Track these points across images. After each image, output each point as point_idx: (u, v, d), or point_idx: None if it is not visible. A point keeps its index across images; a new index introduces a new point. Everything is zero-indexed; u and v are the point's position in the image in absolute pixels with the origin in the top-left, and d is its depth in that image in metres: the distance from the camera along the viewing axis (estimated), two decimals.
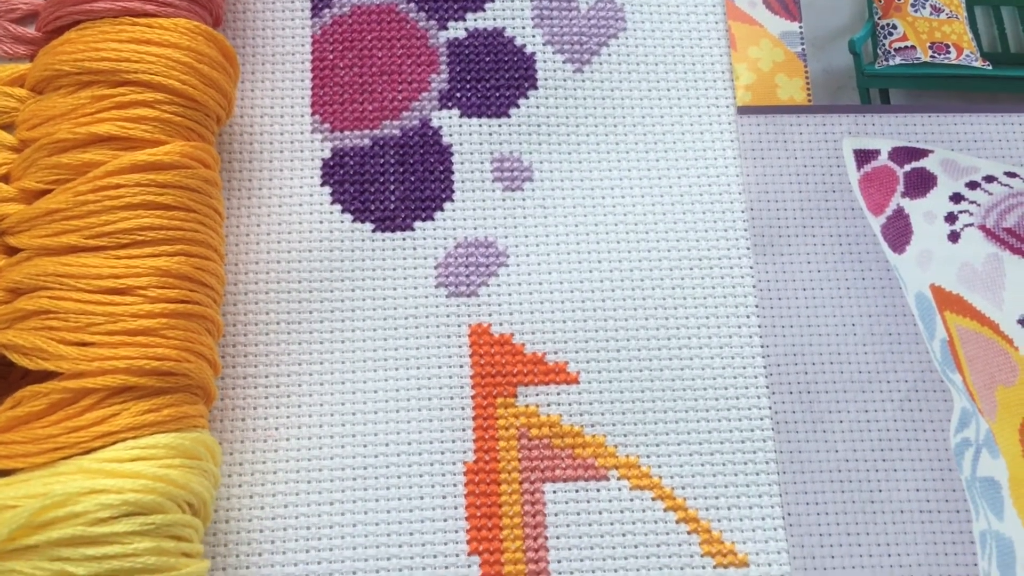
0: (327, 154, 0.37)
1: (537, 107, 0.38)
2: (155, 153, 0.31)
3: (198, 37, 0.32)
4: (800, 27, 0.39)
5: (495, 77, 0.38)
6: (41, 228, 0.30)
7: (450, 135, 0.37)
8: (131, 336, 0.29)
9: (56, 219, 0.30)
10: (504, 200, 0.37)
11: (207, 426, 0.31)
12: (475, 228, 0.36)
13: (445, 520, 0.33)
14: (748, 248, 0.36)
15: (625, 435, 0.34)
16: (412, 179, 0.37)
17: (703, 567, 0.33)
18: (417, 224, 0.36)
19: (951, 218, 0.37)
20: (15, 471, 0.28)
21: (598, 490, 0.33)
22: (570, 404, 0.34)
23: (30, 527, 0.26)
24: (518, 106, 0.38)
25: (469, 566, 0.32)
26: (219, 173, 0.34)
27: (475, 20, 0.38)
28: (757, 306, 0.36)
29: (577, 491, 0.33)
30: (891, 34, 0.39)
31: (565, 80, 0.38)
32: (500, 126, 0.37)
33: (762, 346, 0.35)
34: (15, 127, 0.32)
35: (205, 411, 0.31)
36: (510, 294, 0.35)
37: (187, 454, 0.29)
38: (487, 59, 0.38)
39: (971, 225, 0.37)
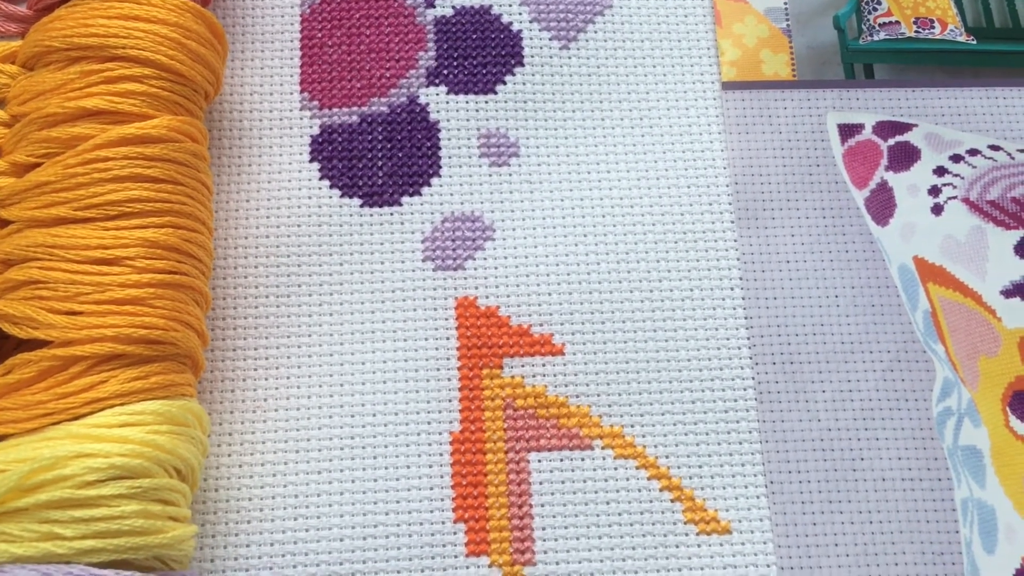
0: (316, 131, 0.37)
1: (523, 84, 0.38)
2: (143, 127, 0.31)
3: (186, 14, 0.33)
4: (785, 3, 0.40)
5: (482, 54, 0.38)
6: (31, 200, 0.30)
7: (437, 112, 0.38)
8: (119, 305, 0.29)
9: (46, 191, 0.30)
10: (491, 175, 0.37)
11: (195, 395, 0.32)
12: (462, 203, 0.37)
13: (431, 488, 0.33)
14: (732, 222, 0.37)
15: (609, 405, 0.34)
16: (400, 155, 0.37)
17: (686, 534, 0.33)
18: (404, 199, 0.37)
19: (934, 191, 0.37)
20: (5, 437, 0.29)
21: (583, 459, 0.34)
22: (555, 375, 0.35)
23: (19, 490, 0.27)
24: (504, 83, 0.38)
25: (455, 533, 0.33)
26: (208, 148, 0.34)
27: None
28: (741, 279, 0.36)
29: (562, 460, 0.34)
30: (875, 9, 0.40)
31: (551, 57, 0.38)
32: (487, 103, 0.38)
33: (746, 318, 0.36)
34: (6, 103, 0.32)
35: (193, 380, 0.31)
36: (496, 268, 0.36)
37: (174, 421, 0.29)
38: (474, 36, 0.38)
39: (954, 198, 0.37)
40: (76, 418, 0.29)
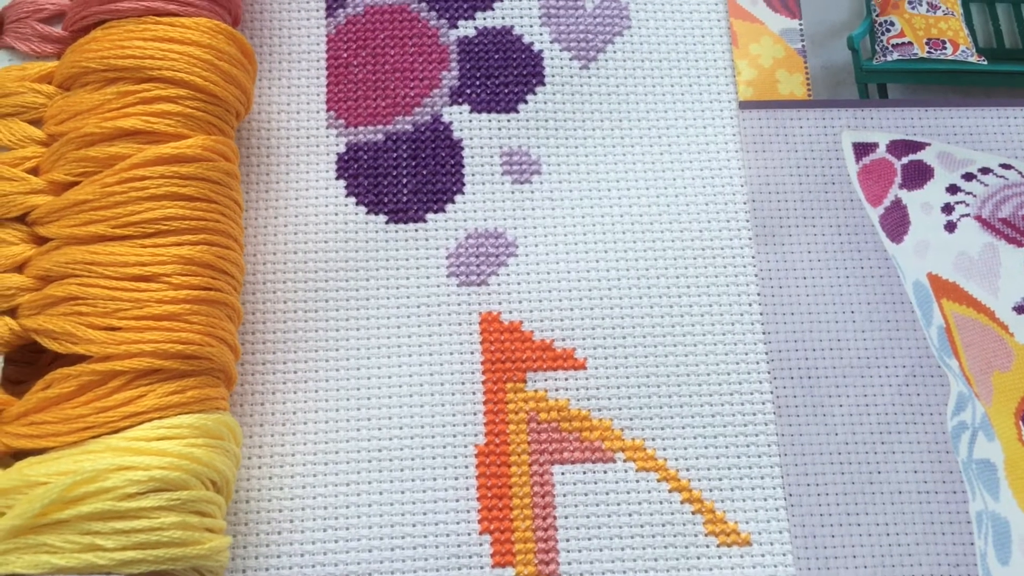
0: (342, 149, 0.38)
1: (545, 103, 0.39)
2: (178, 146, 0.32)
3: (219, 35, 0.34)
4: (800, 24, 0.40)
5: (504, 74, 0.39)
6: (70, 218, 0.31)
7: (460, 130, 0.38)
8: (156, 321, 0.30)
9: (84, 210, 0.31)
10: (513, 192, 0.38)
11: (228, 408, 0.32)
12: (485, 220, 0.37)
13: (457, 500, 0.34)
14: (750, 238, 0.38)
15: (631, 419, 0.35)
16: (424, 172, 0.38)
17: (707, 546, 0.34)
18: (429, 216, 0.37)
19: (948, 209, 0.38)
20: (46, 450, 0.29)
21: (605, 472, 0.34)
22: (578, 389, 0.35)
23: (61, 502, 0.28)
24: (526, 102, 0.39)
25: (481, 544, 0.33)
26: (238, 166, 0.35)
27: (484, 19, 0.40)
28: (759, 294, 0.37)
29: (585, 473, 0.34)
30: (889, 30, 0.41)
31: (572, 76, 0.39)
32: (509, 121, 0.39)
33: (764, 333, 0.36)
34: (44, 122, 0.33)
35: (226, 394, 0.32)
36: (519, 283, 0.37)
37: (210, 434, 0.30)
38: (496, 56, 0.39)
39: (967, 215, 0.38)
40: (115, 431, 0.29)
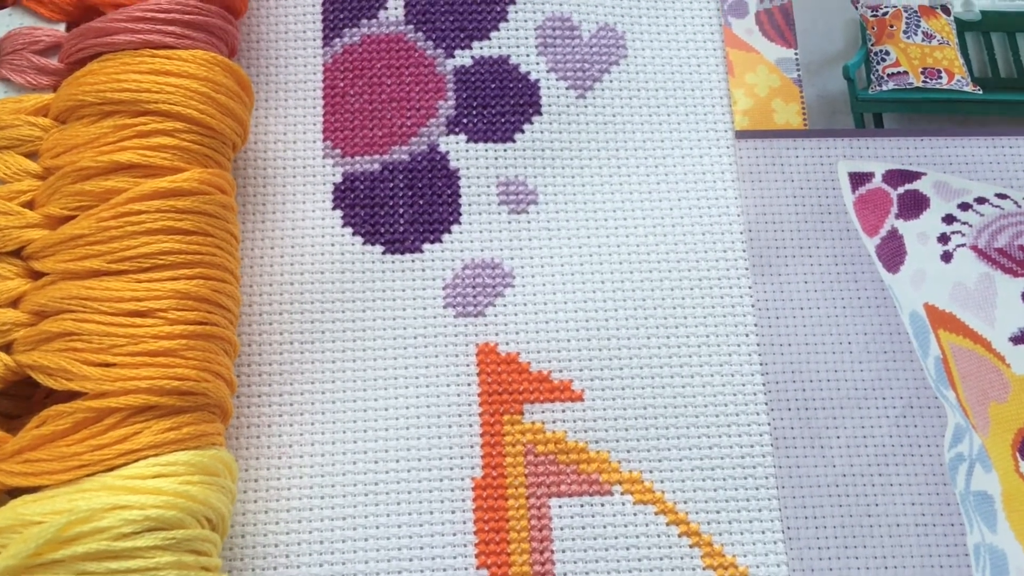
0: (338, 179, 0.38)
1: (541, 132, 0.39)
2: (175, 180, 0.32)
3: (215, 68, 0.34)
4: (795, 54, 0.41)
5: (500, 103, 0.39)
6: (65, 253, 0.31)
7: (457, 160, 0.38)
8: (152, 357, 0.30)
9: (80, 244, 0.31)
10: (510, 222, 0.38)
11: (224, 443, 0.32)
12: (482, 250, 0.37)
13: (454, 534, 0.34)
14: (746, 268, 0.38)
15: (628, 451, 0.35)
16: (420, 202, 0.38)
17: None
18: (426, 246, 0.37)
19: (944, 239, 0.38)
20: (41, 488, 0.29)
21: (602, 505, 0.34)
22: (575, 421, 0.35)
23: (56, 542, 0.27)
24: (523, 131, 0.39)
25: None
26: (235, 198, 0.35)
27: (481, 48, 0.40)
28: (756, 325, 0.37)
29: (582, 506, 0.34)
30: (884, 60, 0.41)
31: (568, 106, 0.39)
32: (506, 151, 0.39)
33: (761, 364, 0.36)
34: (40, 155, 0.33)
35: (222, 429, 0.32)
36: (516, 314, 0.37)
37: (206, 471, 0.30)
38: (492, 86, 0.39)
39: (963, 245, 0.38)
40: (110, 469, 0.29)
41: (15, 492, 0.29)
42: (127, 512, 0.28)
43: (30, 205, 0.32)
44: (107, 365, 0.30)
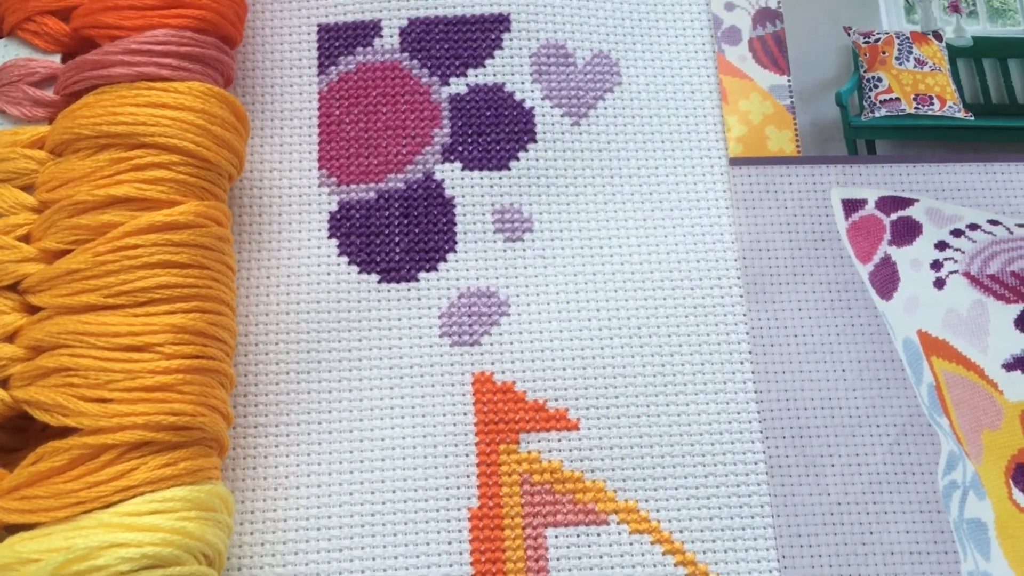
0: (334, 207, 0.38)
1: (536, 160, 0.39)
2: (171, 213, 0.32)
3: (211, 99, 0.34)
4: (789, 81, 0.41)
5: (496, 131, 0.39)
6: (61, 287, 0.31)
7: (452, 188, 0.38)
8: (148, 392, 0.30)
9: (76, 279, 0.31)
10: (505, 251, 0.38)
11: (220, 477, 0.32)
12: (477, 278, 0.37)
13: (451, 565, 0.34)
14: (741, 296, 0.38)
15: (624, 480, 0.35)
16: (416, 231, 0.38)
17: None
18: (421, 275, 0.37)
19: (936, 265, 0.38)
20: (38, 524, 0.29)
21: (599, 534, 0.34)
22: (571, 450, 0.35)
23: None
24: (518, 159, 0.39)
25: None
26: (231, 228, 0.35)
27: (476, 76, 0.40)
28: (750, 352, 0.37)
29: (578, 535, 0.34)
30: (876, 87, 0.41)
31: (563, 133, 0.39)
32: (501, 178, 0.39)
33: (755, 391, 0.36)
34: (35, 188, 0.33)
35: (218, 463, 0.32)
36: (512, 343, 0.37)
37: (202, 506, 0.30)
38: (488, 114, 0.39)
39: (956, 272, 0.38)
40: (107, 506, 0.29)
41: (12, 529, 0.29)
42: (124, 550, 0.28)
43: (26, 239, 0.32)
44: (103, 401, 0.30)
